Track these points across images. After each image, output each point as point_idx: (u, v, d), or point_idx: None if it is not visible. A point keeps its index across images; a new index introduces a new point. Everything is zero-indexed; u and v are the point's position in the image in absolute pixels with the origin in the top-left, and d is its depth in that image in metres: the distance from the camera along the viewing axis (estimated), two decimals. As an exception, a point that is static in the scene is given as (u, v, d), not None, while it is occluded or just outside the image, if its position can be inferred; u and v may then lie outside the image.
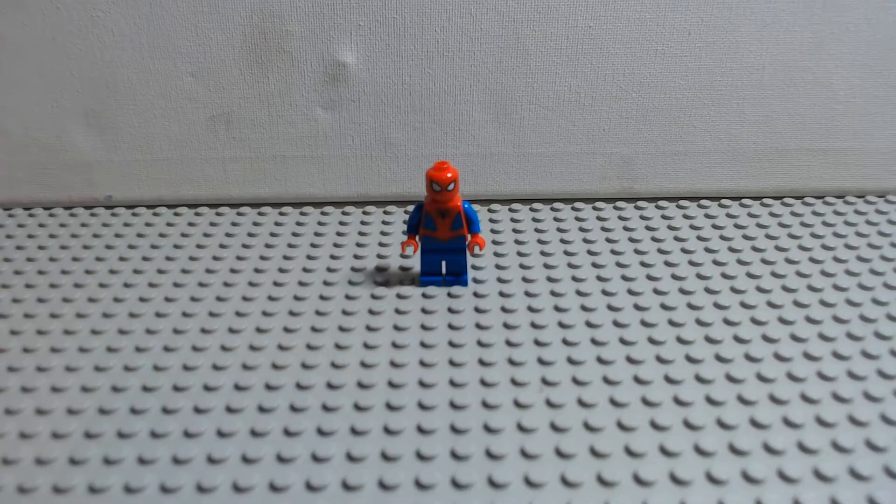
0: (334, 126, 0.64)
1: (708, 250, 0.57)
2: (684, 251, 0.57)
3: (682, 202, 0.66)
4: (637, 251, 0.57)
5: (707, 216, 0.63)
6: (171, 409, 0.41)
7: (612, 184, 0.67)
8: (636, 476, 0.36)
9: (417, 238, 0.52)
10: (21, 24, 0.60)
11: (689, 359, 0.45)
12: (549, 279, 0.53)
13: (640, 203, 0.66)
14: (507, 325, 0.48)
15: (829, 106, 0.65)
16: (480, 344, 0.46)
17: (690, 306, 0.50)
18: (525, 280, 0.53)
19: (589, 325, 0.48)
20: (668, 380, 0.43)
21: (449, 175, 0.49)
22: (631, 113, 0.65)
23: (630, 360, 0.45)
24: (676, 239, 0.59)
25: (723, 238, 0.59)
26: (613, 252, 0.57)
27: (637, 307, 0.50)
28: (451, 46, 0.62)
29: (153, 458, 0.37)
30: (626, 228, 0.61)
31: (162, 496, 0.36)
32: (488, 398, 0.41)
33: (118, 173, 0.65)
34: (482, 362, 0.44)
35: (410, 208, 0.64)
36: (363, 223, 0.62)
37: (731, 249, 0.57)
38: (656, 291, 0.52)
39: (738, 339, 0.46)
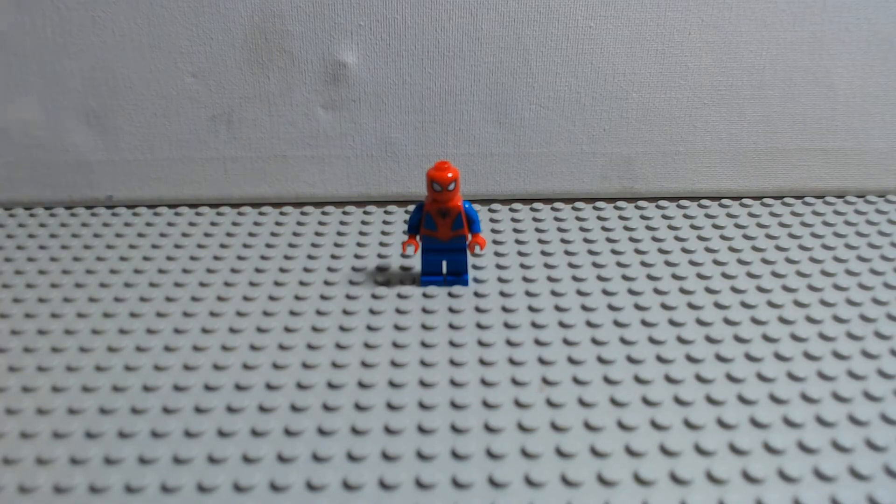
0: (335, 126, 0.64)
1: (708, 250, 0.57)
2: (685, 251, 0.57)
3: (682, 202, 0.66)
4: (637, 251, 0.57)
5: (707, 216, 0.63)
6: (172, 409, 0.41)
7: (612, 183, 0.67)
8: (636, 475, 0.36)
9: (418, 238, 0.52)
10: (22, 24, 0.60)
11: (690, 358, 0.45)
12: (550, 279, 0.53)
13: (640, 203, 0.66)
14: (507, 325, 0.48)
15: (830, 106, 0.65)
16: (481, 343, 0.46)
17: (691, 306, 0.50)
18: (525, 280, 0.53)
19: (589, 324, 0.48)
20: (669, 379, 0.43)
21: (449, 175, 0.49)
22: (631, 113, 0.65)
23: (630, 359, 0.45)
24: (677, 239, 0.59)
25: (723, 238, 0.59)
26: (614, 252, 0.57)
27: (637, 307, 0.50)
28: (452, 46, 0.62)
29: (154, 458, 0.37)
30: (626, 228, 0.61)
31: (163, 496, 0.36)
32: (489, 397, 0.41)
33: (119, 173, 0.65)
34: (483, 362, 0.44)
35: (411, 208, 0.64)
36: (364, 223, 0.62)
37: (732, 249, 0.57)
38: (656, 291, 0.52)
39: (738, 339, 0.46)
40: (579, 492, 0.36)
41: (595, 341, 0.46)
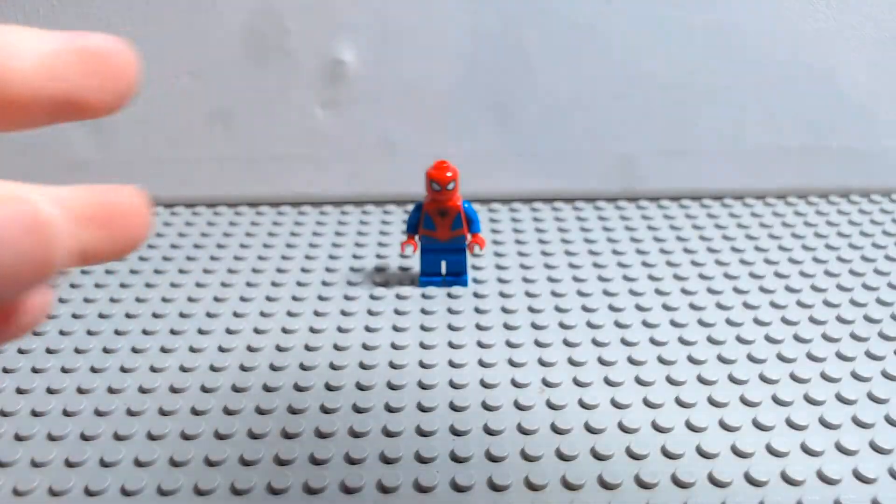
0: (333, 125, 0.64)
1: (710, 250, 0.57)
2: (686, 251, 0.57)
3: (684, 201, 0.65)
4: (639, 251, 0.57)
5: (710, 216, 0.63)
6: (168, 411, 0.40)
7: (613, 183, 0.66)
8: (638, 478, 0.36)
9: (417, 238, 0.51)
10: (15, 20, 0.60)
11: (692, 360, 0.44)
12: (550, 279, 0.53)
13: (641, 202, 0.65)
14: (507, 326, 0.48)
15: (834, 104, 0.64)
16: (480, 345, 0.46)
17: (692, 307, 0.49)
18: (525, 280, 0.53)
19: (590, 325, 0.48)
20: (670, 381, 0.42)
21: (449, 174, 0.48)
22: (633, 111, 0.64)
23: (632, 361, 0.44)
24: (678, 239, 0.59)
25: (725, 238, 0.59)
26: (615, 252, 0.57)
27: (639, 308, 0.49)
28: (452, 44, 0.62)
29: (150, 461, 0.37)
30: (627, 228, 0.61)
31: (159, 498, 0.35)
32: (488, 400, 0.41)
33: (114, 173, 0.64)
34: (482, 363, 0.44)
35: (410, 208, 0.64)
36: (362, 223, 0.62)
37: (734, 249, 0.57)
38: (658, 292, 0.51)
39: (740, 340, 0.46)
40: (581, 494, 0.35)
41: (596, 342, 0.46)
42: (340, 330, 0.47)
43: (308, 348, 0.46)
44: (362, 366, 0.44)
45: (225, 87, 0.62)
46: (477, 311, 0.49)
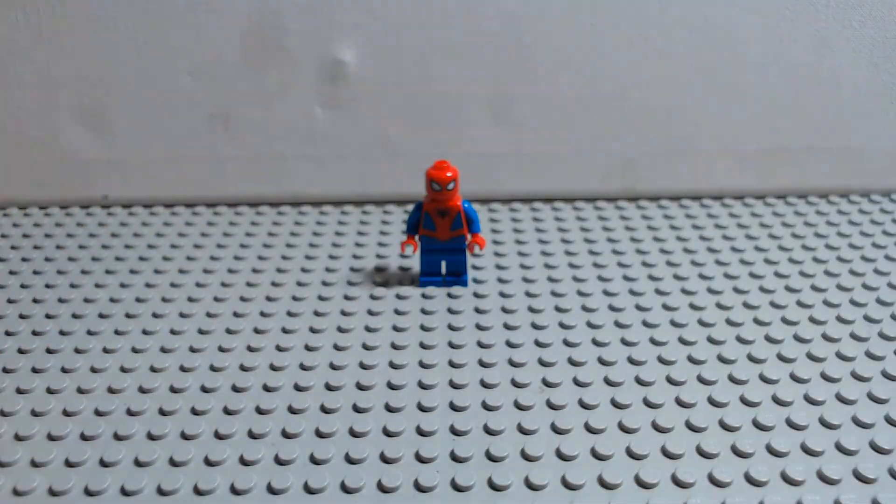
0: (333, 125, 0.64)
1: (710, 250, 0.57)
2: (686, 251, 0.57)
3: (684, 201, 0.65)
4: (639, 251, 0.57)
5: (709, 216, 0.63)
6: (168, 411, 0.40)
7: (613, 183, 0.66)
8: (638, 479, 0.36)
9: (417, 238, 0.51)
10: (17, 21, 0.60)
11: (692, 360, 0.44)
12: (550, 279, 0.53)
13: (641, 202, 0.65)
14: (507, 326, 0.48)
15: (834, 104, 0.64)
16: (480, 345, 0.46)
17: (692, 307, 0.49)
18: (525, 280, 0.53)
19: (590, 325, 0.48)
20: (670, 381, 0.42)
21: (449, 174, 0.48)
22: (633, 111, 0.64)
23: (632, 361, 0.44)
24: (678, 239, 0.59)
25: (725, 238, 0.59)
26: (615, 252, 0.57)
27: (639, 308, 0.49)
28: (452, 44, 0.62)
29: (150, 461, 0.37)
30: (627, 228, 0.61)
31: (159, 499, 0.35)
32: (488, 400, 0.41)
33: (115, 172, 0.64)
34: (482, 363, 0.44)
35: (410, 208, 0.64)
36: (362, 223, 0.62)
37: (734, 249, 0.57)
38: (658, 292, 0.51)
39: (740, 341, 0.46)
40: (580, 494, 0.35)
41: (596, 342, 0.46)
42: (340, 330, 0.47)
43: (308, 348, 0.46)
44: (362, 366, 0.44)
45: (225, 87, 0.62)
46: (477, 311, 0.49)
